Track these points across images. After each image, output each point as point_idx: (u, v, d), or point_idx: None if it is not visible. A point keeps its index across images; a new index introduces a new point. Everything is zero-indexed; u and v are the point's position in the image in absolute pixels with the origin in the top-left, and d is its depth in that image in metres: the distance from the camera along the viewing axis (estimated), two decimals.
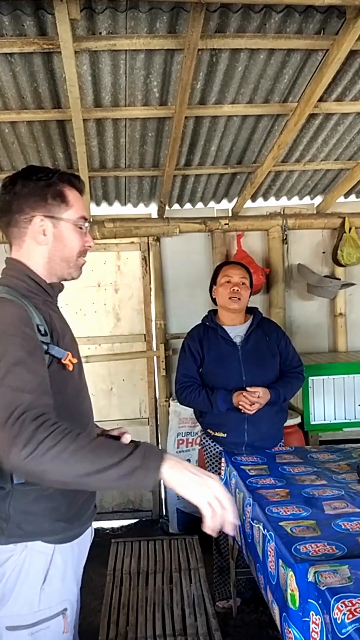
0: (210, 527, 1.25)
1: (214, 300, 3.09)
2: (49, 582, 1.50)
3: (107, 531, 4.30)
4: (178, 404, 4.11)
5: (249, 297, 3.02)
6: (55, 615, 1.51)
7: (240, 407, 2.77)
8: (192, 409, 3.20)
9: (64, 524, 1.54)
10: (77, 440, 1.21)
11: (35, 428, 1.18)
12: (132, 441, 1.44)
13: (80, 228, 1.59)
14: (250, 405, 2.75)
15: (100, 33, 2.41)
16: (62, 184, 1.56)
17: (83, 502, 1.61)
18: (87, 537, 1.69)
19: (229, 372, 2.87)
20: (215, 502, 1.25)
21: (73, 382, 1.56)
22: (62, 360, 1.48)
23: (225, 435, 2.91)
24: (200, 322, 3.11)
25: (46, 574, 1.50)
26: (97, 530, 4.18)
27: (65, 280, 1.64)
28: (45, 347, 1.44)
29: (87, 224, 1.62)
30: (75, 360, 1.53)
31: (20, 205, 1.53)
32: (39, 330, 1.43)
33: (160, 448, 1.42)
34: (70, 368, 1.51)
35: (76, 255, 1.60)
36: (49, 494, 1.49)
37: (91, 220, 1.70)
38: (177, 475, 1.25)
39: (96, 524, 4.30)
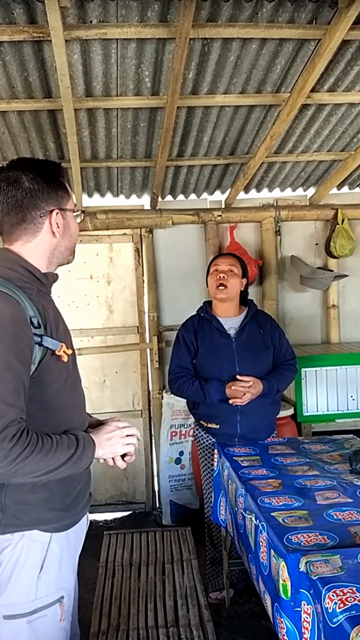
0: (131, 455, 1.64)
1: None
2: (45, 571, 1.51)
3: (100, 523, 4.30)
4: (171, 396, 4.12)
5: (243, 287, 3.00)
6: (52, 603, 1.53)
7: (231, 398, 2.77)
8: (185, 401, 3.20)
9: (60, 512, 1.55)
10: (43, 447, 1.38)
11: (13, 446, 1.31)
12: (72, 434, 1.51)
13: (76, 215, 1.64)
14: (242, 396, 2.75)
15: (91, 21, 2.38)
16: (59, 175, 1.60)
17: (79, 491, 1.63)
18: (82, 526, 1.71)
19: (223, 363, 2.87)
20: (128, 447, 1.61)
21: (67, 373, 1.57)
22: (57, 352, 1.49)
23: (218, 426, 2.91)
24: (194, 313, 3.10)
25: (43, 562, 1.51)
26: (90, 523, 4.21)
27: (62, 265, 1.66)
28: (38, 339, 1.44)
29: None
30: (69, 352, 1.54)
31: (34, 201, 1.53)
32: (32, 323, 1.43)
33: (90, 437, 1.56)
34: (65, 359, 1.52)
35: (75, 241, 1.65)
36: (45, 483, 1.49)
37: (84, 211, 1.72)
38: (101, 452, 1.57)
39: (89, 517, 4.30)
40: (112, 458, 1.62)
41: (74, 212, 1.64)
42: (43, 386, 1.48)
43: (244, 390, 2.75)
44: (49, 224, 1.55)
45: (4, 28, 2.33)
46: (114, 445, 1.59)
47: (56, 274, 1.65)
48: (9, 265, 1.53)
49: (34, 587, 1.49)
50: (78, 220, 1.68)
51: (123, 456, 1.63)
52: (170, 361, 3.05)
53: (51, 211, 1.55)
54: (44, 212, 1.54)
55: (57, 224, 1.56)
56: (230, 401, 2.77)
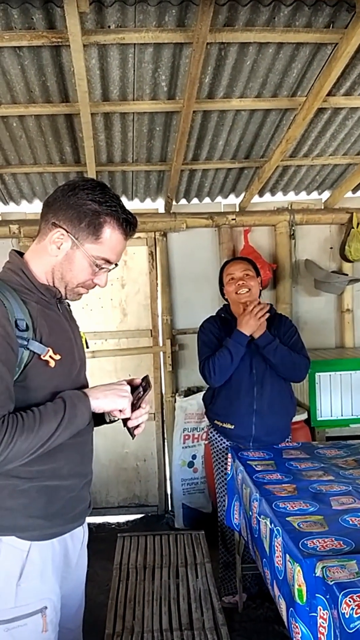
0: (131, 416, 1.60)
1: (227, 302, 3.09)
2: (25, 579, 1.49)
3: (113, 526, 4.31)
4: (185, 399, 4.13)
5: (260, 286, 3.00)
6: (33, 613, 1.50)
7: (245, 315, 2.81)
8: (198, 404, 3.17)
9: (40, 520, 1.52)
10: (25, 424, 1.37)
11: None
12: (59, 396, 1.49)
13: (96, 266, 1.55)
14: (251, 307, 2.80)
15: (109, 26, 2.40)
16: (109, 219, 1.52)
17: (67, 500, 1.59)
18: (74, 537, 1.67)
19: (239, 364, 2.86)
20: (124, 399, 1.56)
21: (58, 383, 1.53)
22: (42, 357, 1.47)
23: (232, 427, 2.91)
24: (208, 316, 3.11)
25: (22, 570, 1.49)
26: (102, 525, 4.25)
27: (59, 296, 1.61)
28: (24, 342, 1.43)
29: (109, 267, 1.57)
30: (57, 357, 1.50)
31: (58, 209, 1.51)
32: (18, 325, 1.43)
33: (79, 391, 1.54)
34: (52, 365, 1.49)
35: (76, 283, 1.58)
36: (24, 489, 1.49)
37: (117, 265, 1.64)
38: (100, 401, 1.53)
39: (102, 519, 4.34)
40: (128, 429, 1.60)
41: (96, 262, 1.55)
42: (28, 392, 1.46)
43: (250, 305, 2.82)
44: (51, 239, 1.52)
45: (23, 33, 2.36)
46: (110, 396, 1.55)
47: (58, 291, 1.59)
48: (12, 268, 1.55)
49: (13, 595, 1.47)
50: (101, 277, 1.60)
51: (134, 428, 1.61)
52: (199, 353, 2.98)
53: (59, 228, 1.51)
54: (55, 223, 1.51)
55: (58, 244, 1.52)
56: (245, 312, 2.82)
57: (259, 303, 2.86)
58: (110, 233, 1.53)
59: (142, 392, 1.65)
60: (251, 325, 2.80)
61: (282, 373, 2.88)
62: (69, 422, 1.44)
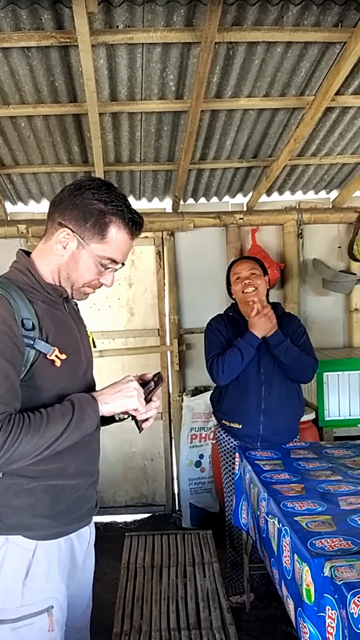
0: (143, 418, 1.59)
1: (234, 301, 3.09)
2: (31, 578, 1.49)
3: (120, 525, 4.32)
4: (192, 398, 4.13)
5: (268, 285, 3.00)
6: (40, 612, 1.50)
7: (254, 312, 2.81)
8: (205, 404, 3.16)
9: (45, 520, 1.53)
10: (32, 425, 1.37)
11: None
12: (67, 399, 1.49)
13: (102, 265, 1.55)
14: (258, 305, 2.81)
15: (117, 26, 2.41)
16: (114, 219, 1.52)
17: (73, 500, 1.60)
18: (81, 537, 1.68)
19: (247, 364, 2.86)
20: (140, 403, 1.55)
21: (64, 382, 1.53)
22: (48, 356, 1.48)
23: (240, 426, 2.90)
24: (215, 315, 3.10)
25: (28, 569, 1.49)
26: (110, 525, 4.25)
27: (66, 295, 1.61)
28: (30, 341, 1.44)
29: (115, 266, 1.57)
30: (63, 357, 1.51)
31: (65, 209, 1.51)
32: (24, 325, 1.43)
33: (88, 394, 1.53)
34: (58, 364, 1.49)
35: (82, 283, 1.57)
36: (30, 489, 1.50)
37: (123, 264, 1.63)
38: (109, 405, 1.52)
39: (109, 518, 4.35)
40: (136, 421, 1.59)
41: (101, 262, 1.54)
42: (34, 391, 1.47)
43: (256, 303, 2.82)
44: (57, 238, 1.52)
45: (31, 34, 2.37)
46: (119, 399, 1.53)
47: (65, 290, 1.59)
48: (19, 267, 1.56)
49: (19, 594, 1.48)
50: (108, 277, 1.59)
51: (142, 421, 1.60)
52: (206, 351, 2.96)
53: (65, 227, 1.51)
54: (61, 223, 1.51)
55: (64, 244, 1.52)
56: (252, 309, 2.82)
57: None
58: (116, 233, 1.53)
59: (153, 386, 1.65)
60: (265, 328, 2.79)
61: (289, 373, 2.88)
62: (77, 426, 1.43)
